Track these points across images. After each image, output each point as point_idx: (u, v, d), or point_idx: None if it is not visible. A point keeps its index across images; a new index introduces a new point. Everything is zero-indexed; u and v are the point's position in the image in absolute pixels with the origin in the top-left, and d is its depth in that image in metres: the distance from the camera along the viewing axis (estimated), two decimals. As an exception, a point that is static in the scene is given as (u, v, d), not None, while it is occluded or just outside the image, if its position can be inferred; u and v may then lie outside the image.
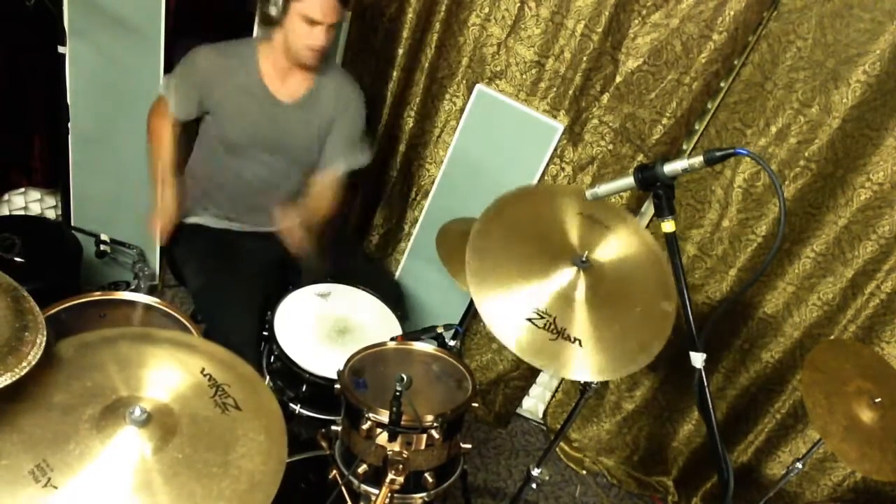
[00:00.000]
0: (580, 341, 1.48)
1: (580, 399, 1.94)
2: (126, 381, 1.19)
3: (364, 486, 1.49)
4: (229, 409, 1.20)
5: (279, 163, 2.10)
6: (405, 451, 1.45)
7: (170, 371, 1.24)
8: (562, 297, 1.54)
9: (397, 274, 2.64)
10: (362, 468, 1.48)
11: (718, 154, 1.24)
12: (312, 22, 1.84)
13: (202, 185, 2.14)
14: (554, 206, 1.76)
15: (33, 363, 1.09)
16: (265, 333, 1.92)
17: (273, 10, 1.88)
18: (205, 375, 1.24)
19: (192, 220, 2.16)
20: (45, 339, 1.14)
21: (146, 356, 1.27)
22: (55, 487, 1.02)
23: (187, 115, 2.03)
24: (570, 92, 2.24)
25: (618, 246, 1.69)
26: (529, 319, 1.47)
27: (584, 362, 1.47)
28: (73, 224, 2.37)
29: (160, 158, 2.01)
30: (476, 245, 1.56)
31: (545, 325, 1.48)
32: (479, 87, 2.29)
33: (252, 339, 1.92)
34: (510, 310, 1.49)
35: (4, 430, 1.08)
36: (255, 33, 2.28)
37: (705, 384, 1.27)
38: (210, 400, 1.20)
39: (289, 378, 1.81)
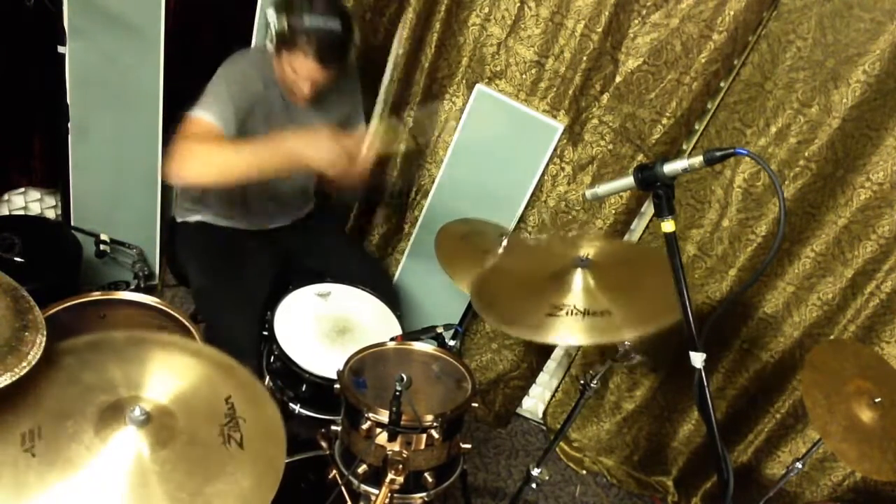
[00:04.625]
0: (609, 312, 1.50)
1: (580, 399, 1.94)
2: (150, 383, 1.19)
3: (364, 486, 1.50)
4: (231, 442, 1.15)
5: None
6: (405, 451, 1.45)
7: (197, 388, 1.22)
8: (586, 292, 1.57)
9: (397, 274, 2.64)
10: (362, 468, 1.49)
11: (718, 154, 1.23)
12: (297, 73, 1.81)
13: (214, 198, 2.14)
14: (532, 252, 1.92)
15: (33, 363, 1.09)
16: (265, 333, 1.92)
17: (269, 44, 1.82)
18: (227, 403, 1.21)
19: (193, 218, 2.16)
20: (45, 339, 1.14)
21: (182, 367, 1.25)
22: (33, 456, 1.03)
23: (234, 130, 1.75)
24: (570, 92, 2.24)
25: (604, 249, 1.73)
26: (549, 314, 1.50)
27: (625, 322, 1.50)
28: (72, 224, 2.37)
29: (240, 160, 1.62)
30: (485, 306, 1.61)
31: (567, 312, 1.50)
32: (478, 86, 2.29)
33: (253, 340, 1.92)
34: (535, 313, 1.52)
35: (27, 388, 1.09)
36: (253, 39, 2.28)
37: (705, 384, 1.27)
38: (218, 427, 1.16)
39: (288, 378, 1.81)
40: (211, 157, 1.62)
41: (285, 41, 1.77)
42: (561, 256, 1.69)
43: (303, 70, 1.79)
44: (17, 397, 1.09)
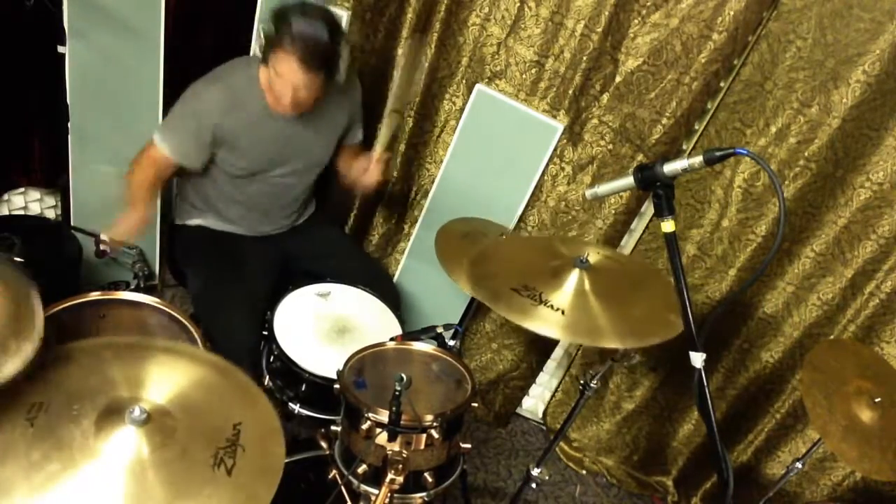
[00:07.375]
0: (562, 310, 1.53)
1: (580, 399, 1.94)
2: (166, 391, 1.19)
3: (364, 486, 1.50)
4: (221, 468, 1.11)
5: (294, 172, 2.12)
6: (405, 451, 1.45)
7: (209, 406, 1.22)
8: (578, 296, 1.58)
9: (397, 274, 2.64)
10: (362, 468, 1.49)
11: (718, 154, 1.24)
12: (279, 76, 1.81)
13: (210, 203, 2.14)
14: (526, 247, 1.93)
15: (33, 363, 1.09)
16: (265, 333, 1.92)
17: (258, 50, 1.84)
18: (235, 429, 1.18)
19: (193, 221, 2.16)
20: (44, 339, 1.14)
21: (203, 385, 1.25)
22: (31, 426, 1.06)
23: (198, 163, 1.98)
24: (570, 92, 2.24)
25: (601, 254, 1.74)
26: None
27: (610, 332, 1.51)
28: (73, 224, 2.37)
29: (143, 199, 1.93)
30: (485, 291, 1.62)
31: (552, 306, 1.53)
32: (478, 86, 2.29)
33: (252, 342, 1.92)
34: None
35: (53, 367, 1.14)
36: (252, 44, 2.28)
37: (705, 384, 1.28)
38: (214, 448, 1.13)
39: (288, 377, 1.81)
40: (135, 193, 1.95)
41: (272, 44, 1.78)
42: (562, 253, 1.69)
43: (285, 72, 1.79)
44: (42, 372, 1.13)
